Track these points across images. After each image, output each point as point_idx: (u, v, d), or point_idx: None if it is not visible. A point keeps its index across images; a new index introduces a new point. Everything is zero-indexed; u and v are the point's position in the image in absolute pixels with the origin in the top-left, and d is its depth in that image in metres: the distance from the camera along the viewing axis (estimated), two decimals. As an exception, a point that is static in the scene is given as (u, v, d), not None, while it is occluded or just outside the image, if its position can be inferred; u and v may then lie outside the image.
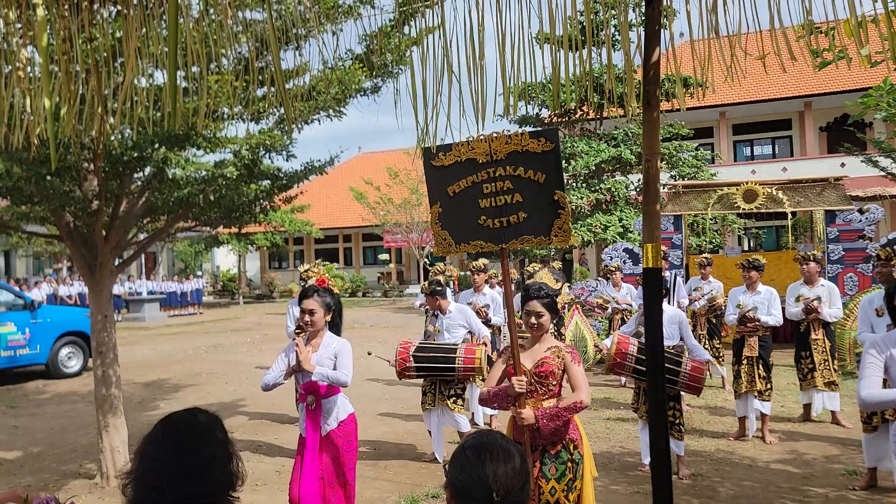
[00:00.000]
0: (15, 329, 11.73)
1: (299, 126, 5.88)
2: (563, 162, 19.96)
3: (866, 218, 11.47)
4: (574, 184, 20.51)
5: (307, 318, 4.18)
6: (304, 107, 5.64)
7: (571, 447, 3.55)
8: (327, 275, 4.48)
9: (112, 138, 5.26)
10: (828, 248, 11.66)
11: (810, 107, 25.80)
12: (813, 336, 7.26)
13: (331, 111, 6.05)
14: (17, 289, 14.57)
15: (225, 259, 40.31)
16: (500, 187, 3.40)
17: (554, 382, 3.58)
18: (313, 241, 35.74)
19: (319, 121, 6.20)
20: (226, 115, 5.79)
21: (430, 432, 6.39)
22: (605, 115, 19.54)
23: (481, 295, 8.04)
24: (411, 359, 5.98)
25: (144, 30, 2.87)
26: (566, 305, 10.92)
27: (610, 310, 10.55)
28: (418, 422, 7.57)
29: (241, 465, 1.91)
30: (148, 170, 6.13)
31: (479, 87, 2.90)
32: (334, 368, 4.15)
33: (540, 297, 3.63)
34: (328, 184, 36.79)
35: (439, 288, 6.57)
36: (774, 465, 6.03)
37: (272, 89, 4.78)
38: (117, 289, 25.53)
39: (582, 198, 19.56)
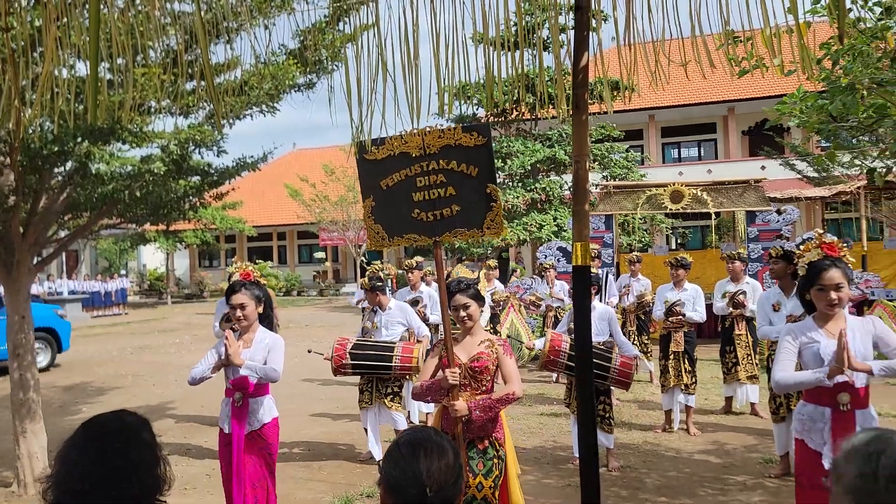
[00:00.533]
0: None
1: (230, 121, 5.76)
2: (500, 161, 20.20)
3: (783, 218, 12.06)
4: (510, 183, 20.78)
5: (239, 313, 4.09)
6: (235, 102, 5.53)
7: (497, 445, 3.62)
8: (251, 268, 4.38)
9: (31, 131, 5.02)
10: (748, 247, 12.20)
11: (733, 111, 26.90)
12: (737, 331, 7.58)
13: (263, 107, 5.96)
14: None
15: (152, 257, 38.99)
16: (434, 181, 3.44)
17: (488, 378, 3.63)
18: (246, 238, 34.96)
19: (252, 116, 6.09)
20: (153, 109, 5.61)
21: (366, 431, 6.37)
22: (539, 115, 19.86)
23: (417, 293, 8.06)
24: (348, 356, 5.93)
25: (65, 19, 2.76)
26: (502, 303, 11.07)
27: (543, 307, 10.74)
28: (355, 422, 7.53)
29: (169, 468, 1.87)
30: (70, 164, 5.88)
31: (415, 85, 2.92)
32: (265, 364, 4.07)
33: (462, 289, 3.68)
34: (262, 180, 36.03)
35: (379, 283, 6.54)
36: (697, 456, 6.28)
37: (202, 83, 4.67)
38: (36, 289, 24.32)
39: (518, 197, 19.83)
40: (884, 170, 4.86)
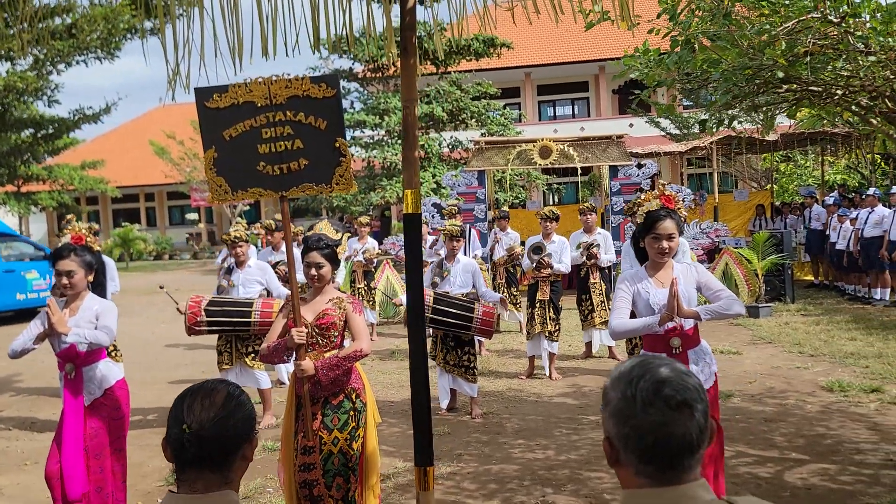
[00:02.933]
0: (38, 275, 14.10)
1: (57, 67, 5.27)
2: (377, 118, 19.92)
3: (643, 172, 12.69)
4: (389, 140, 20.58)
5: (65, 280, 3.78)
6: (62, 46, 5.05)
7: (354, 396, 3.57)
8: (84, 230, 4.04)
9: None
10: (612, 200, 12.78)
11: (604, 70, 27.85)
12: (591, 280, 7.95)
13: (99, 52, 5.49)
14: (37, 242, 17.05)
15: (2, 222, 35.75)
16: (280, 132, 3.29)
17: (336, 334, 3.56)
18: (110, 200, 32.81)
19: (87, 63, 5.61)
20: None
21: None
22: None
23: (279, 252, 7.85)
24: (203, 313, 5.67)
25: None
26: (375, 260, 11.03)
27: (418, 263, 10.81)
28: (218, 384, 7.30)
29: None
30: None
31: (235, 23, 2.75)
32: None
33: (320, 248, 3.57)
34: (126, 138, 33.75)
35: (242, 240, 6.24)
36: (557, 399, 6.58)
37: (24, 26, 4.20)
38: None
39: (396, 154, 19.69)
40: (715, 121, 5.15)
